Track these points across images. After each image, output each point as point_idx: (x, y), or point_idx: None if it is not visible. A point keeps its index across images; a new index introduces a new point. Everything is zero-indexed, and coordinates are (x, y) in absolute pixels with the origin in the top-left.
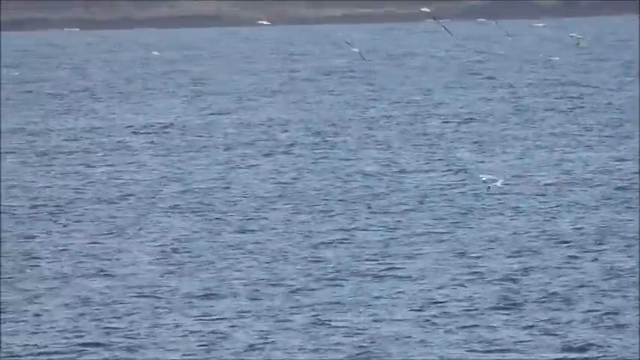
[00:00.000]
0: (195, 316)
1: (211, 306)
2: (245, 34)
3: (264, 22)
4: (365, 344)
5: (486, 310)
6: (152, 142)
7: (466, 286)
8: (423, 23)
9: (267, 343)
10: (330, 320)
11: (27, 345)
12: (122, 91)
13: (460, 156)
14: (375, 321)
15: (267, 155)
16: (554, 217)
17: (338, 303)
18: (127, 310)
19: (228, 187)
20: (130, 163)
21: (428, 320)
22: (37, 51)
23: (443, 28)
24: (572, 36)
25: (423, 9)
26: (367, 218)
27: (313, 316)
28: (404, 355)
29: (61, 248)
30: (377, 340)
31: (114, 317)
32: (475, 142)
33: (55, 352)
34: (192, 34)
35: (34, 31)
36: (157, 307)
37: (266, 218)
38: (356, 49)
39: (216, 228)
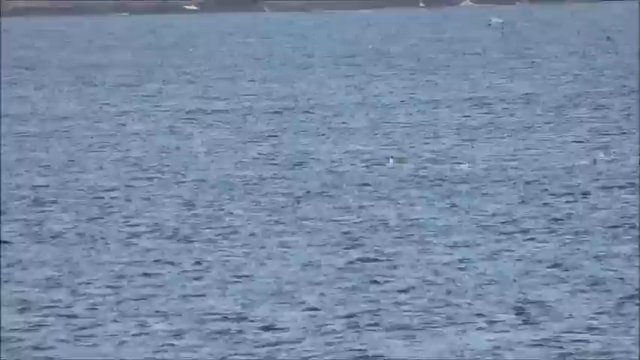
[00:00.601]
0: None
1: (280, 302)
2: (285, 20)
3: (191, 7)
4: (429, 328)
5: (553, 295)
6: (212, 127)
7: (531, 272)
8: (461, 8)
9: (326, 325)
10: (393, 304)
11: (105, 333)
12: (170, 75)
13: (518, 140)
14: (436, 308)
15: (322, 142)
16: (617, 201)
17: (400, 290)
18: (188, 299)
19: (290, 171)
20: (188, 149)
21: (494, 303)
22: (84, 35)
23: (489, 19)
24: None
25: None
26: (427, 204)
27: (376, 302)
28: (464, 338)
29: (125, 237)
30: (438, 324)
31: (178, 303)
32: (533, 126)
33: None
34: (230, 19)
35: (82, 16)
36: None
37: (324, 203)
38: (370, 46)
39: (272, 215)
